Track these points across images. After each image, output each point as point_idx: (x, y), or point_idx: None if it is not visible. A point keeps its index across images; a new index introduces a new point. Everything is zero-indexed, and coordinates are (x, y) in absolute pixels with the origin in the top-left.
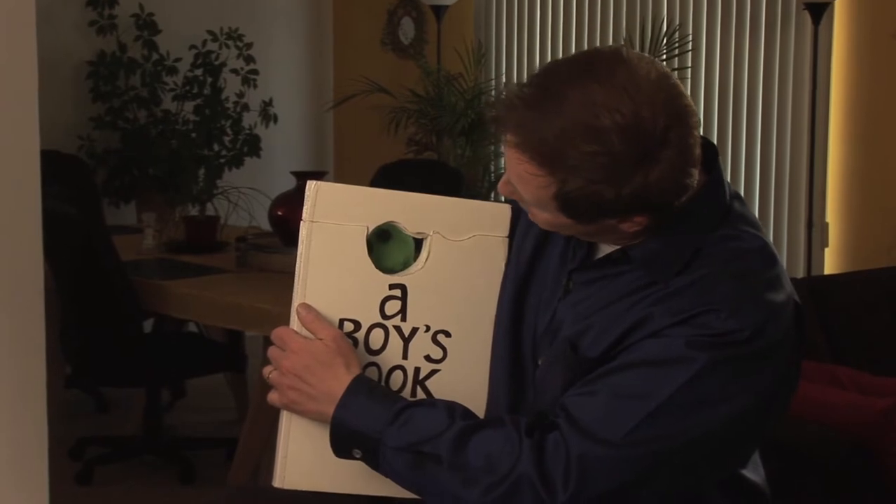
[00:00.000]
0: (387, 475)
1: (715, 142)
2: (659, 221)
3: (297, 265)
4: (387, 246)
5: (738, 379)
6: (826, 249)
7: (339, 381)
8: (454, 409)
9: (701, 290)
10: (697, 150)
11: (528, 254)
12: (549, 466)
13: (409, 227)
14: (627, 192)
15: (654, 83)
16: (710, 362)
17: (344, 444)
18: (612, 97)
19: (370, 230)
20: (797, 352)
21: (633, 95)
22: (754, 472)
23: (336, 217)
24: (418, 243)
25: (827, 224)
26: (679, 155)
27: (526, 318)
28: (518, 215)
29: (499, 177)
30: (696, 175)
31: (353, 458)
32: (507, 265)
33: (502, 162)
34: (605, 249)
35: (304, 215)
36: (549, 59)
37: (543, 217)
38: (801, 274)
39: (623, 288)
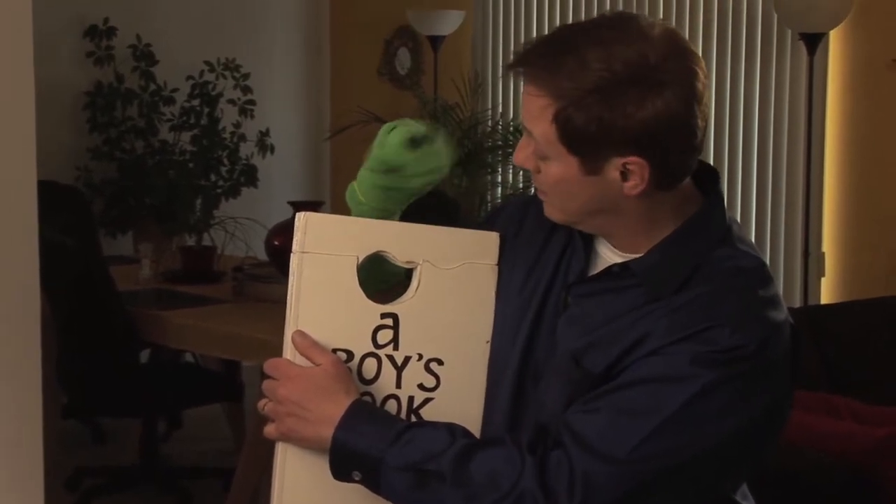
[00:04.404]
0: (387, 497)
1: None
2: (660, 180)
3: (289, 296)
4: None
5: (741, 394)
6: (822, 279)
7: (338, 405)
8: (455, 429)
9: (704, 305)
10: (701, 91)
11: (549, 271)
12: (553, 483)
13: (399, 256)
14: (621, 114)
15: (663, 36)
16: (714, 379)
17: (344, 465)
18: (622, 40)
19: (360, 260)
20: (794, 372)
21: (642, 43)
22: (746, 501)
23: (326, 248)
24: (408, 272)
25: (823, 254)
26: (680, 87)
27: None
28: (505, 244)
29: (495, 206)
30: (700, 119)
31: (352, 480)
32: (498, 290)
33: (499, 192)
34: (602, 265)
35: (295, 246)
36: None
37: (552, 172)
38: (797, 303)
39: (625, 304)
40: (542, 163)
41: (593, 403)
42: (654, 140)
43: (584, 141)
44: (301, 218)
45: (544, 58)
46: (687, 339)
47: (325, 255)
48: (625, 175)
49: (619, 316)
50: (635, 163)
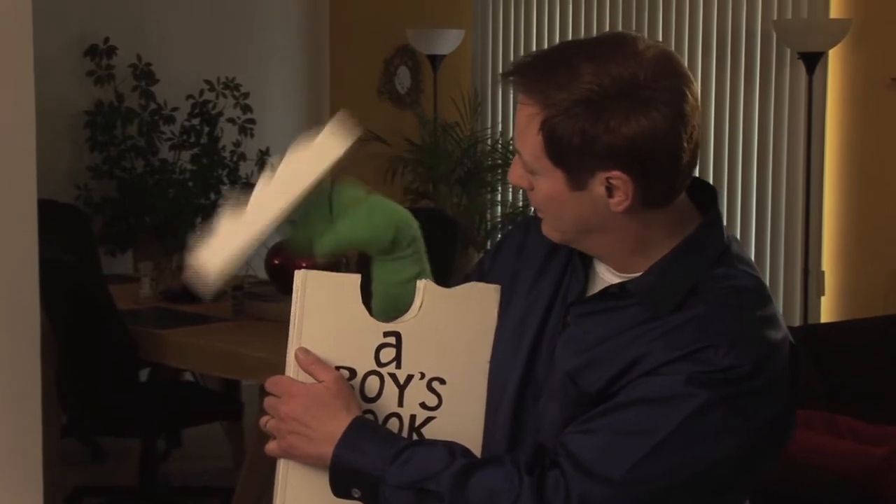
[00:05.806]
0: None
1: None
2: (645, 197)
3: (292, 314)
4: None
5: (737, 415)
6: (822, 297)
7: (339, 422)
8: (454, 448)
9: (700, 325)
10: (689, 113)
11: (547, 295)
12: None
13: None
14: (605, 128)
15: (656, 56)
16: (710, 399)
17: (344, 483)
18: (615, 58)
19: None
20: (794, 390)
21: (634, 62)
22: None
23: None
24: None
25: (823, 272)
26: (668, 107)
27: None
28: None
29: (495, 225)
30: (686, 141)
31: (352, 497)
32: (502, 311)
33: (498, 210)
34: (601, 284)
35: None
36: None
37: (542, 188)
38: (797, 322)
39: (622, 323)
40: (533, 179)
41: (589, 424)
42: (637, 157)
43: (568, 153)
44: None
45: (537, 69)
46: (682, 359)
47: (329, 273)
48: (609, 190)
49: (617, 335)
50: (618, 178)
